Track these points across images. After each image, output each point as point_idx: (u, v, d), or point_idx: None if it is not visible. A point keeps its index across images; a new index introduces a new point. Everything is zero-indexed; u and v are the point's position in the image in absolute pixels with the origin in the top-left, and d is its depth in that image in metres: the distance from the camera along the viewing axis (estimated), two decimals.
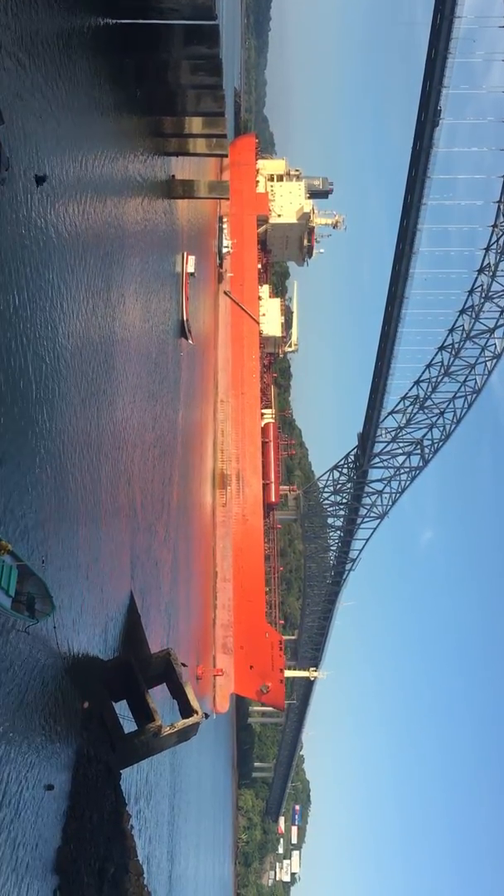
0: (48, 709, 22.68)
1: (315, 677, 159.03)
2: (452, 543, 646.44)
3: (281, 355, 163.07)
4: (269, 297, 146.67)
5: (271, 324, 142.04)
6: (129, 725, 30.99)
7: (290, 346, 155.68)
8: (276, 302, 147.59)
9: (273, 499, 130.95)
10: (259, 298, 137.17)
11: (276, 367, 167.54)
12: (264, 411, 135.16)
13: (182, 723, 33.09)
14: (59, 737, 23.77)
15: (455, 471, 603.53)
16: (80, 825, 25.28)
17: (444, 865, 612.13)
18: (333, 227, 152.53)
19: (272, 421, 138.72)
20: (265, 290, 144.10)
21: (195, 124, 49.48)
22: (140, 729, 30.93)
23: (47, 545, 22.59)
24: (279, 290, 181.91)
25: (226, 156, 57.32)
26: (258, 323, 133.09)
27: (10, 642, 19.29)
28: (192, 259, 70.31)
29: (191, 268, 69.84)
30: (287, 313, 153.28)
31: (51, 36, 23.21)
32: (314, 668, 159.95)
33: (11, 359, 19.37)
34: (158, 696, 33.70)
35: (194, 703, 33.50)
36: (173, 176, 57.14)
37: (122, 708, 31.11)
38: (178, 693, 33.94)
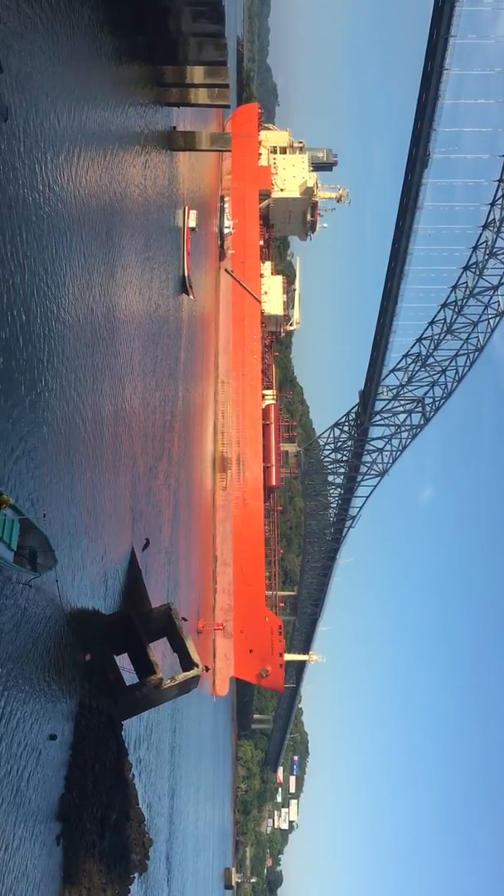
0: (51, 661, 22.98)
1: (314, 661, 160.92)
2: (452, 501, 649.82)
3: (283, 334, 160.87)
4: (271, 274, 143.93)
5: (273, 302, 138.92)
6: (130, 678, 31.44)
7: (291, 324, 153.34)
8: (279, 279, 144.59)
9: (274, 482, 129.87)
10: (261, 276, 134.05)
11: (277, 345, 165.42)
12: (265, 392, 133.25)
13: (183, 675, 33.54)
14: (61, 688, 24.12)
15: (456, 429, 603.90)
16: (83, 774, 25.77)
17: (435, 814, 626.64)
18: (337, 201, 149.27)
19: (273, 402, 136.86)
20: (267, 266, 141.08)
21: (197, 74, 48.35)
22: (141, 681, 31.39)
23: (49, 499, 22.67)
24: (280, 247, 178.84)
25: (228, 106, 56.10)
26: (260, 302, 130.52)
27: (13, 595, 19.47)
28: (193, 214, 69.38)
29: (192, 222, 68.95)
30: (289, 289, 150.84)
31: None
32: (313, 653, 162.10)
33: (7, 308, 19.21)
34: (159, 650, 34.13)
35: (195, 657, 33.94)
36: (174, 127, 56.11)
37: (123, 661, 31.52)
38: (179, 647, 34.36)
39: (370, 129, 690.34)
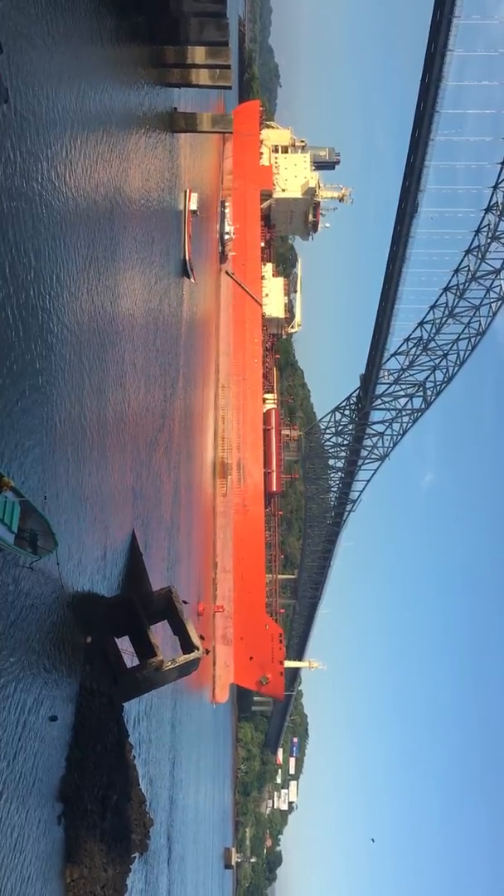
0: (52, 643, 23.09)
1: (314, 668, 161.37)
2: (453, 486, 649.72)
3: (284, 336, 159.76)
4: (273, 275, 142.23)
5: (274, 305, 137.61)
6: (131, 660, 31.59)
7: (293, 326, 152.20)
8: (280, 281, 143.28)
9: (274, 488, 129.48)
10: (262, 278, 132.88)
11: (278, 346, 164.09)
12: (266, 396, 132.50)
13: (183, 658, 33.71)
14: (62, 670, 24.24)
15: (457, 413, 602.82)
16: (84, 755, 25.94)
17: (432, 795, 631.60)
18: (340, 201, 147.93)
19: (274, 407, 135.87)
20: (268, 268, 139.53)
21: (198, 54, 47.87)
22: (142, 664, 31.55)
23: (49, 482, 22.68)
24: (282, 239, 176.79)
25: (229, 87, 55.58)
26: (261, 304, 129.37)
27: (14, 578, 19.53)
28: (194, 196, 68.98)
29: (193, 205, 68.57)
30: (290, 290, 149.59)
31: None
32: (313, 659, 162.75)
33: (8, 288, 19.14)
34: (160, 633, 34.26)
35: (195, 640, 34.09)
36: (175, 108, 55.71)
37: (124, 643, 31.66)
38: (180, 629, 34.52)
39: (372, 112, 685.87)
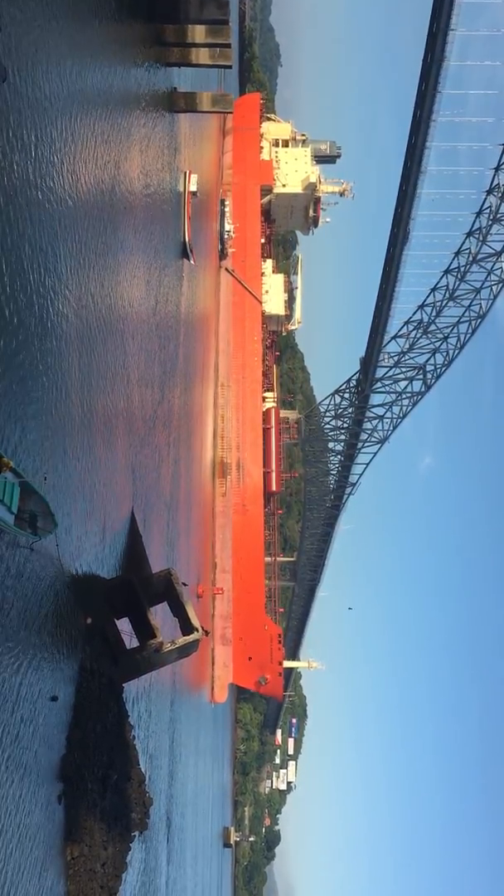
0: (52, 624, 23.16)
1: (313, 668, 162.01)
2: (452, 469, 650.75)
3: (284, 333, 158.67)
4: (273, 272, 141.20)
5: (274, 302, 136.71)
6: (131, 641, 31.73)
7: (293, 323, 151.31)
8: (280, 278, 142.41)
9: (274, 488, 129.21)
10: (262, 274, 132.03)
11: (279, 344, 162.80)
12: (266, 395, 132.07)
13: (183, 639, 33.85)
14: (62, 651, 24.34)
15: (457, 397, 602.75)
16: (84, 735, 26.10)
17: (429, 776, 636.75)
18: (341, 195, 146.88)
19: (274, 405, 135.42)
20: (268, 264, 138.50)
21: (198, 33, 47.38)
22: (142, 645, 31.68)
23: (49, 462, 22.67)
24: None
25: (230, 67, 55.04)
26: (260, 302, 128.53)
27: (14, 559, 19.56)
28: (194, 178, 68.56)
29: (193, 186, 68.16)
30: (291, 273, 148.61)
31: None
32: (312, 659, 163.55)
33: (8, 265, 19.05)
34: (159, 614, 34.39)
35: (195, 621, 34.23)
36: (175, 88, 55.24)
37: (124, 625, 31.79)
38: (179, 611, 34.64)
39: (374, 98, 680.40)
